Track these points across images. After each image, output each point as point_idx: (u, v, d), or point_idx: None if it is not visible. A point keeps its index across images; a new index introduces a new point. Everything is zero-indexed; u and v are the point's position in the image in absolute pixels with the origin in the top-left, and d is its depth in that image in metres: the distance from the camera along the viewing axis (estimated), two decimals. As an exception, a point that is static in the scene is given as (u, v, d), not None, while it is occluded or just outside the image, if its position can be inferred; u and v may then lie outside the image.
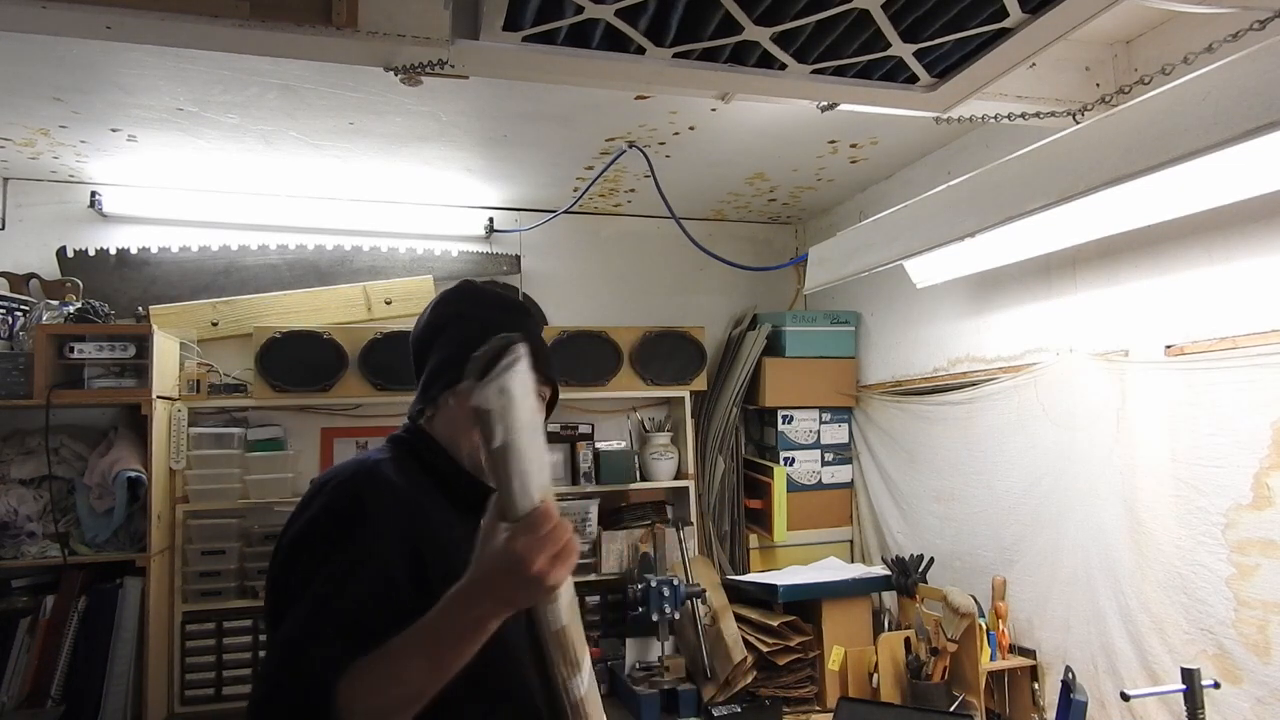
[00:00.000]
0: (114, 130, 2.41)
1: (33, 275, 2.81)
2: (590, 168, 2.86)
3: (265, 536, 2.79)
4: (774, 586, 2.71)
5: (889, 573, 2.71)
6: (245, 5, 1.35)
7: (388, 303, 3.16)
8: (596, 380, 3.09)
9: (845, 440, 3.29)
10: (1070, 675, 1.90)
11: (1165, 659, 1.86)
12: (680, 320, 3.30)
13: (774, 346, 3.27)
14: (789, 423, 3.23)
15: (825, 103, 1.62)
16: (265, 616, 1.13)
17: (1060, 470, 2.20)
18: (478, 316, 1.32)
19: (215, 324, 2.97)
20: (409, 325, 2.96)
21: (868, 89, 1.49)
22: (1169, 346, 1.89)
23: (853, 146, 2.71)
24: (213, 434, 2.81)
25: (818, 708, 2.59)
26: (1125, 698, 1.77)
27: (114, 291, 2.87)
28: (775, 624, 2.63)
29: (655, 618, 2.62)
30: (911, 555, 2.66)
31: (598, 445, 3.18)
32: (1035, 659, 2.28)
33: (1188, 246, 1.86)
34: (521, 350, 0.87)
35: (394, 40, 1.45)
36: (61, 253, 2.86)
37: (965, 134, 2.58)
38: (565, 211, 3.15)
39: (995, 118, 1.92)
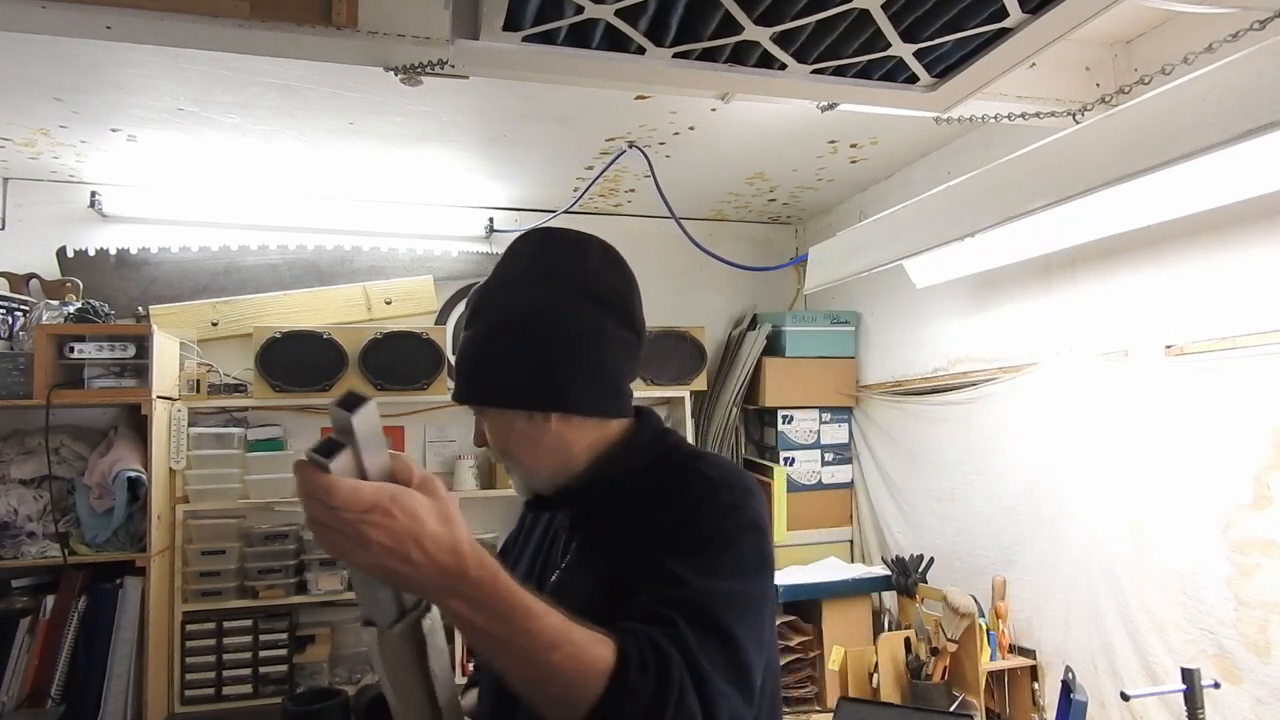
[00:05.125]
0: (114, 130, 2.41)
1: (33, 275, 2.81)
2: (590, 168, 2.86)
3: (265, 536, 2.79)
4: (774, 586, 2.71)
5: (889, 573, 2.71)
6: (245, 5, 1.35)
7: (388, 303, 3.16)
8: (596, 380, 3.08)
9: (845, 440, 3.29)
10: (1070, 675, 1.90)
11: (1165, 659, 1.86)
12: (680, 320, 3.30)
13: (774, 346, 3.27)
14: (789, 423, 3.23)
15: (825, 103, 1.62)
16: None
17: (1060, 470, 2.19)
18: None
19: (215, 324, 2.97)
20: (409, 325, 3.05)
21: (868, 89, 1.49)
22: (1169, 346, 1.89)
23: (853, 146, 2.71)
24: (213, 434, 2.81)
25: (818, 708, 2.59)
26: (1125, 698, 1.76)
27: (114, 291, 2.87)
28: (775, 624, 2.63)
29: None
30: (911, 555, 2.66)
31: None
32: (1035, 659, 2.28)
33: (1188, 246, 1.86)
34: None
35: (394, 40, 1.45)
36: (61, 253, 2.86)
37: (965, 134, 2.58)
38: (565, 211, 3.15)
39: (995, 118, 1.92)
